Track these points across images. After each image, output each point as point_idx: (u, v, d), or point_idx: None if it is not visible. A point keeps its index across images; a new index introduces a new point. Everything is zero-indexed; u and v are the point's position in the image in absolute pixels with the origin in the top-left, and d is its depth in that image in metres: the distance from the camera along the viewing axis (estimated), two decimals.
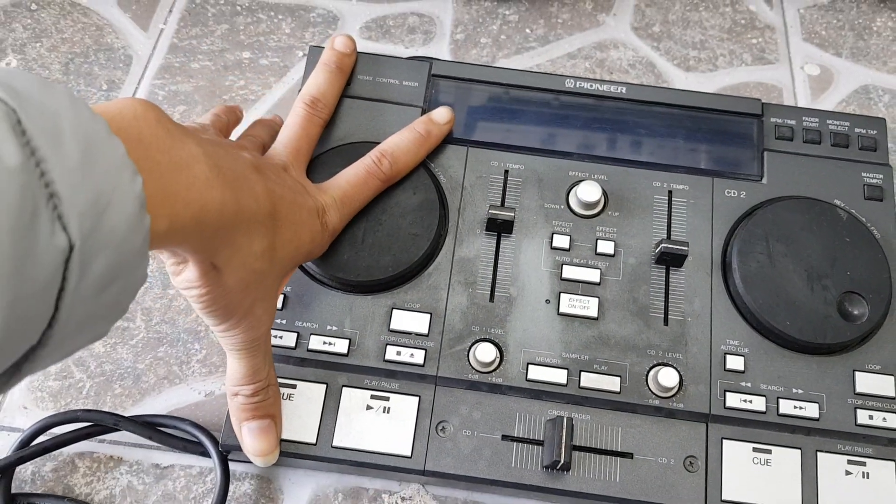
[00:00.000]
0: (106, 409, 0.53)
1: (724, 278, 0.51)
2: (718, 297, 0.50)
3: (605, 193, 0.53)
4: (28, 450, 0.49)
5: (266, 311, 0.42)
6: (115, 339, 0.56)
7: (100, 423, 0.51)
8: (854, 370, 0.49)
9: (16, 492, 0.50)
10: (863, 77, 0.71)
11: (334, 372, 0.48)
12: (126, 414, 0.53)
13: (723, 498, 0.46)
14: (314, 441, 0.46)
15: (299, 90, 0.52)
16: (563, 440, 0.45)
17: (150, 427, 0.51)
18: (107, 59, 0.69)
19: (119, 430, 0.51)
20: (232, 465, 0.51)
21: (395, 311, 0.49)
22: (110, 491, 0.50)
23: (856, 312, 0.49)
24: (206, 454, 0.51)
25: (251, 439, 0.45)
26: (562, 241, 0.51)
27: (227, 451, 0.48)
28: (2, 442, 0.52)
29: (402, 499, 0.52)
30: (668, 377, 0.47)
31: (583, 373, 0.48)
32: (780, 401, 0.48)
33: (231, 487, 0.50)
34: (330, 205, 0.46)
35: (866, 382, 0.48)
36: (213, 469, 0.51)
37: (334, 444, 0.46)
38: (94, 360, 0.55)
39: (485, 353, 0.47)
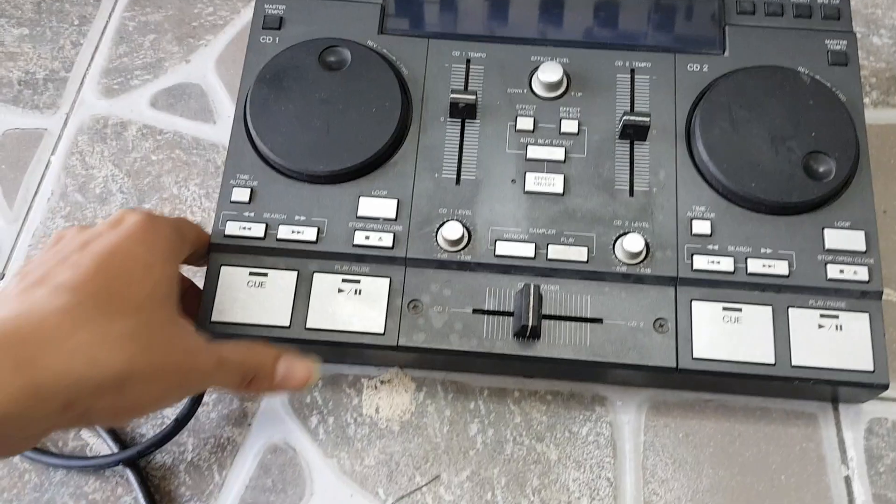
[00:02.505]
0: None
1: (688, 148, 0.51)
2: (683, 167, 0.50)
3: (567, 75, 0.53)
4: None
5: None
6: None
7: None
8: (823, 227, 0.49)
9: None
10: None
11: (304, 259, 0.48)
12: None
13: (694, 356, 0.46)
14: (287, 324, 0.47)
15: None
16: (532, 305, 0.45)
17: None
18: None
19: None
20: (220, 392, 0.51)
21: (361, 198, 0.49)
22: None
23: (822, 170, 0.49)
24: None
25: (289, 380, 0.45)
26: (526, 122, 0.51)
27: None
28: None
29: (382, 381, 0.52)
30: (633, 243, 0.47)
31: (550, 245, 0.48)
32: (749, 260, 0.48)
33: None
34: None
35: (836, 238, 0.48)
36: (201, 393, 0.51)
37: (308, 325, 0.47)
38: None
39: (452, 231, 0.48)
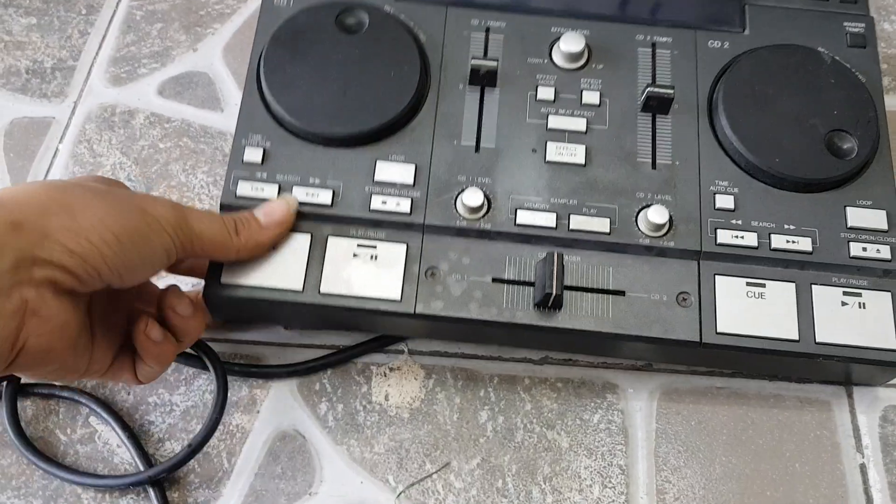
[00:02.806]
0: None
1: (710, 123, 0.50)
2: (706, 142, 0.50)
3: (588, 47, 0.52)
4: None
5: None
6: None
7: None
8: (845, 206, 0.48)
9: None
10: None
11: (319, 223, 0.47)
12: None
13: (718, 330, 0.45)
14: (300, 288, 0.45)
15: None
16: (555, 273, 0.44)
17: None
18: None
19: None
20: (230, 378, 0.51)
21: (378, 161, 0.48)
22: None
23: (844, 147, 0.48)
24: (204, 367, 0.51)
25: (272, 215, 0.45)
26: (546, 92, 0.51)
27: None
28: None
29: (391, 369, 0.52)
30: (658, 214, 0.46)
31: (572, 216, 0.47)
32: (772, 236, 0.47)
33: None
34: None
35: (858, 216, 0.48)
36: (210, 381, 0.51)
37: (322, 290, 0.45)
38: None
39: (472, 197, 0.46)
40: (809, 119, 0.49)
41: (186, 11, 0.68)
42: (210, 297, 0.45)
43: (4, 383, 0.50)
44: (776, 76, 0.50)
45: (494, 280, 0.46)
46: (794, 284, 0.47)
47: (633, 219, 0.48)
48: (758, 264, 0.47)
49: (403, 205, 0.47)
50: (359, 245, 0.47)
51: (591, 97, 0.51)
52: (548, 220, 0.47)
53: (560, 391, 0.51)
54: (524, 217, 0.47)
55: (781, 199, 0.48)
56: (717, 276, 0.47)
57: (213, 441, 0.49)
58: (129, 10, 0.68)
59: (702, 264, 0.47)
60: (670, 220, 0.47)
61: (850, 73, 0.51)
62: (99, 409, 0.49)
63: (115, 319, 0.43)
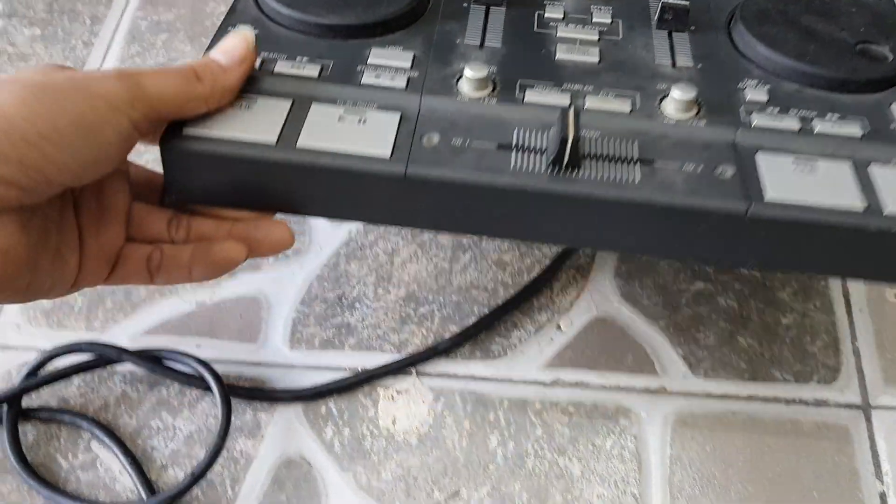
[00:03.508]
0: (98, 323, 0.53)
1: (730, 39, 0.47)
2: (728, 53, 0.46)
3: None
4: (34, 380, 0.50)
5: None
6: None
7: (103, 356, 0.51)
8: (891, 104, 0.44)
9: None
10: None
11: (303, 93, 0.41)
12: (120, 329, 0.53)
13: (766, 199, 0.38)
14: (274, 142, 0.38)
15: None
16: (571, 119, 0.37)
17: (153, 360, 0.51)
18: None
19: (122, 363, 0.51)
20: (234, 402, 0.50)
21: (374, 48, 0.44)
22: (104, 401, 0.50)
23: (877, 54, 0.46)
24: (207, 389, 0.50)
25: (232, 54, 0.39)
26: (555, 11, 0.48)
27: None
28: None
29: (398, 391, 0.51)
30: (684, 91, 0.41)
31: (588, 96, 0.42)
32: (816, 121, 0.42)
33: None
34: None
35: None
36: (214, 405, 0.50)
37: (299, 144, 0.38)
38: None
39: (477, 69, 0.41)
40: (836, 33, 0.46)
41: (192, 22, 0.67)
42: (169, 152, 0.39)
43: (5, 407, 0.49)
44: None
45: (501, 147, 0.39)
46: (849, 162, 0.40)
47: (657, 104, 0.42)
48: (803, 145, 0.41)
49: (399, 80, 0.42)
50: (346, 111, 0.40)
51: (602, 16, 0.48)
52: (561, 99, 0.42)
53: (572, 415, 0.50)
54: (534, 96, 0.42)
55: (818, 96, 0.44)
56: (758, 154, 0.40)
57: (216, 467, 0.48)
58: (133, 20, 0.67)
59: (739, 145, 0.41)
60: (698, 103, 0.42)
61: None
62: (101, 434, 0.48)
63: (110, 216, 0.39)
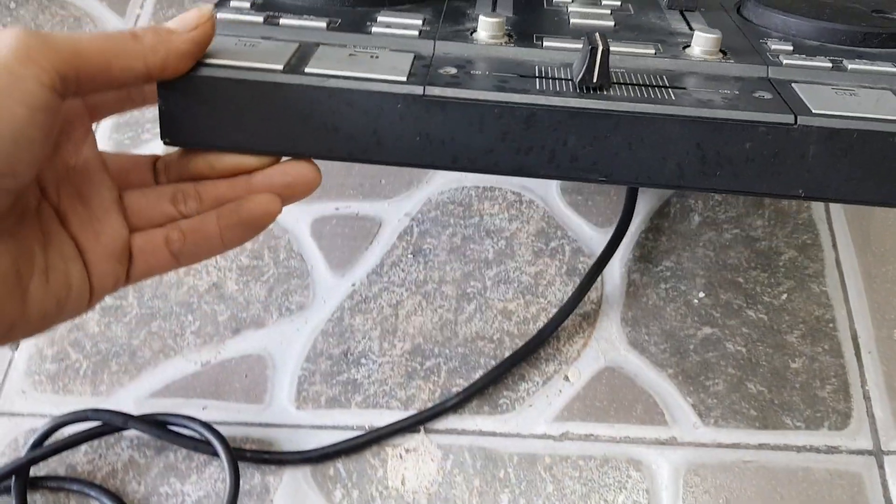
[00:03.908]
0: (104, 387, 0.53)
1: (743, 18, 0.47)
2: (743, 25, 0.45)
3: None
4: (41, 450, 0.49)
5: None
6: (108, 317, 0.55)
7: (109, 423, 0.50)
8: None
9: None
10: None
11: (310, 39, 0.39)
12: (125, 392, 0.52)
13: (814, 111, 0.36)
14: (281, 68, 0.35)
15: None
16: (599, 37, 0.35)
17: (159, 426, 0.50)
18: None
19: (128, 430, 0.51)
20: (241, 465, 0.50)
21: (383, 10, 0.42)
22: (112, 467, 0.50)
23: (894, 16, 0.45)
24: (215, 454, 0.50)
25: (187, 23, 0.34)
26: None
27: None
28: (4, 429, 0.51)
29: (406, 450, 0.50)
30: (708, 34, 0.40)
31: (611, 42, 0.38)
32: (846, 61, 0.40)
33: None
34: None
35: None
36: (222, 469, 0.50)
37: (308, 70, 0.36)
38: (89, 340, 0.54)
39: (492, 16, 0.40)
40: (848, 3, 0.46)
41: None
42: (165, 80, 0.35)
43: (13, 478, 0.48)
44: None
45: (523, 76, 0.37)
46: (890, 91, 0.38)
47: (681, 49, 0.41)
48: (838, 79, 0.39)
49: (411, 31, 0.40)
50: (356, 50, 0.38)
51: (611, 1, 0.47)
52: (579, 45, 0.39)
53: (582, 470, 0.50)
54: (553, 43, 0.40)
55: (841, 49, 0.43)
56: (794, 85, 0.38)
57: None
58: None
59: (773, 79, 0.39)
60: (722, 50, 0.40)
61: None
62: (109, 503, 0.48)
63: (101, 213, 0.35)
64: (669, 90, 0.37)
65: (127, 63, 0.31)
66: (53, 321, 0.33)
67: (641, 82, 0.37)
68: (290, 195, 0.37)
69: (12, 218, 0.31)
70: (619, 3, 0.47)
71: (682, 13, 0.47)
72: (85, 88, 0.31)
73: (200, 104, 0.36)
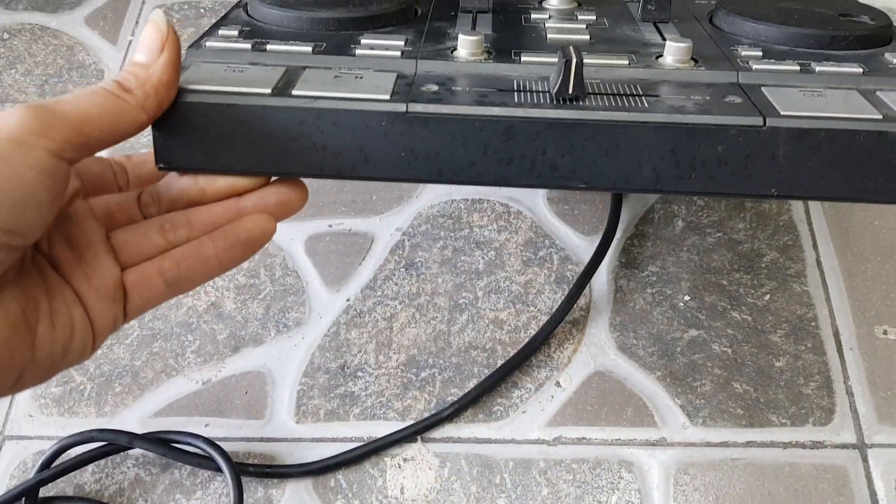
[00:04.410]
0: (108, 407, 0.54)
1: (714, 27, 0.49)
2: (715, 34, 0.47)
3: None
4: (50, 472, 0.51)
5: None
6: (110, 340, 0.57)
7: (114, 443, 0.52)
8: (883, 53, 0.44)
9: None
10: None
11: (296, 64, 0.40)
12: (129, 412, 0.54)
13: (782, 113, 0.37)
14: (269, 91, 0.37)
15: None
16: (573, 50, 0.37)
17: (164, 444, 0.52)
18: (80, 76, 0.70)
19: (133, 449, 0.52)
20: (244, 479, 0.51)
21: (365, 33, 0.44)
22: (119, 485, 0.51)
23: (859, 20, 0.47)
24: (218, 470, 0.51)
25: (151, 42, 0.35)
26: (540, 14, 0.49)
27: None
28: (12, 452, 0.53)
29: (405, 459, 0.52)
30: (679, 43, 0.42)
31: (587, 55, 0.41)
32: (813, 63, 0.42)
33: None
34: None
35: None
36: (226, 484, 0.51)
37: (295, 92, 0.37)
38: (92, 362, 0.56)
39: (471, 34, 0.42)
40: (814, 10, 0.48)
41: None
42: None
43: (23, 499, 0.50)
44: None
45: (502, 91, 0.39)
46: (856, 91, 0.40)
47: (653, 59, 0.43)
48: (806, 81, 0.41)
49: (393, 52, 0.42)
50: (341, 71, 0.40)
51: (586, 16, 0.49)
52: (555, 59, 0.40)
53: (576, 472, 0.51)
54: (531, 58, 0.42)
55: (809, 53, 0.44)
56: (763, 88, 0.40)
57: None
58: None
59: (742, 84, 0.41)
60: (694, 58, 0.42)
61: None
62: None
63: (90, 255, 0.36)
64: (643, 98, 0.38)
65: (129, 118, 0.33)
66: (59, 366, 0.34)
67: (616, 92, 0.39)
68: (282, 213, 0.38)
69: (15, 269, 0.32)
70: (594, 18, 0.49)
71: (655, 25, 0.49)
72: (93, 150, 0.32)
73: (193, 130, 0.37)
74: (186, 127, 0.37)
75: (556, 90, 0.37)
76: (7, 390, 0.32)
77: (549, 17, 0.49)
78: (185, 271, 0.37)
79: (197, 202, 0.38)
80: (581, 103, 0.37)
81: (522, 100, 0.38)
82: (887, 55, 0.44)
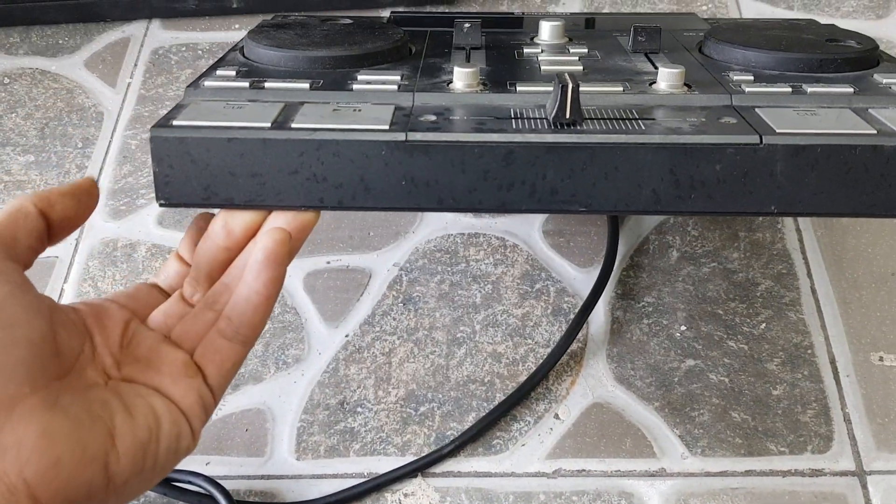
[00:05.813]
0: None
1: (704, 56, 0.51)
2: (706, 62, 0.49)
3: (567, 37, 0.55)
4: None
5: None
6: None
7: None
8: (873, 74, 0.46)
9: None
10: None
11: (294, 100, 0.42)
12: None
13: (778, 131, 0.38)
14: (269, 125, 0.38)
15: None
16: (569, 76, 0.38)
17: (165, 483, 0.52)
18: (79, 118, 0.71)
19: None
20: None
21: (362, 70, 0.46)
22: None
23: (846, 44, 0.49)
24: None
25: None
26: (531, 49, 0.52)
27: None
28: None
29: (405, 495, 0.52)
30: (672, 69, 0.43)
31: (581, 83, 0.41)
32: (805, 85, 0.44)
33: None
34: None
35: (889, 78, 0.45)
36: None
37: (294, 125, 0.38)
38: None
39: (467, 66, 0.43)
40: (801, 37, 0.50)
41: None
42: (159, 143, 0.38)
43: None
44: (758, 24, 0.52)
45: (499, 119, 0.40)
46: (848, 109, 0.41)
47: (647, 85, 0.44)
48: (799, 102, 0.42)
49: (390, 86, 0.43)
50: (339, 105, 0.41)
51: (578, 49, 0.51)
52: (551, 88, 0.41)
53: None
54: (525, 87, 0.43)
55: (800, 76, 0.46)
56: (757, 109, 0.41)
57: None
58: (123, 140, 0.69)
59: (736, 106, 0.42)
60: (687, 84, 0.44)
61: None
62: None
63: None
64: (639, 121, 0.39)
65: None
66: (157, 452, 0.33)
67: (612, 116, 0.40)
68: (297, 226, 0.39)
69: (77, 379, 0.32)
70: (586, 51, 0.51)
71: (646, 55, 0.50)
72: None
73: (193, 164, 0.38)
74: (186, 162, 0.38)
75: (553, 115, 0.38)
76: (102, 489, 0.30)
77: (542, 52, 0.51)
78: (237, 320, 0.37)
79: (227, 256, 0.39)
80: (579, 127, 0.38)
81: (520, 126, 0.39)
82: (876, 76, 0.45)
